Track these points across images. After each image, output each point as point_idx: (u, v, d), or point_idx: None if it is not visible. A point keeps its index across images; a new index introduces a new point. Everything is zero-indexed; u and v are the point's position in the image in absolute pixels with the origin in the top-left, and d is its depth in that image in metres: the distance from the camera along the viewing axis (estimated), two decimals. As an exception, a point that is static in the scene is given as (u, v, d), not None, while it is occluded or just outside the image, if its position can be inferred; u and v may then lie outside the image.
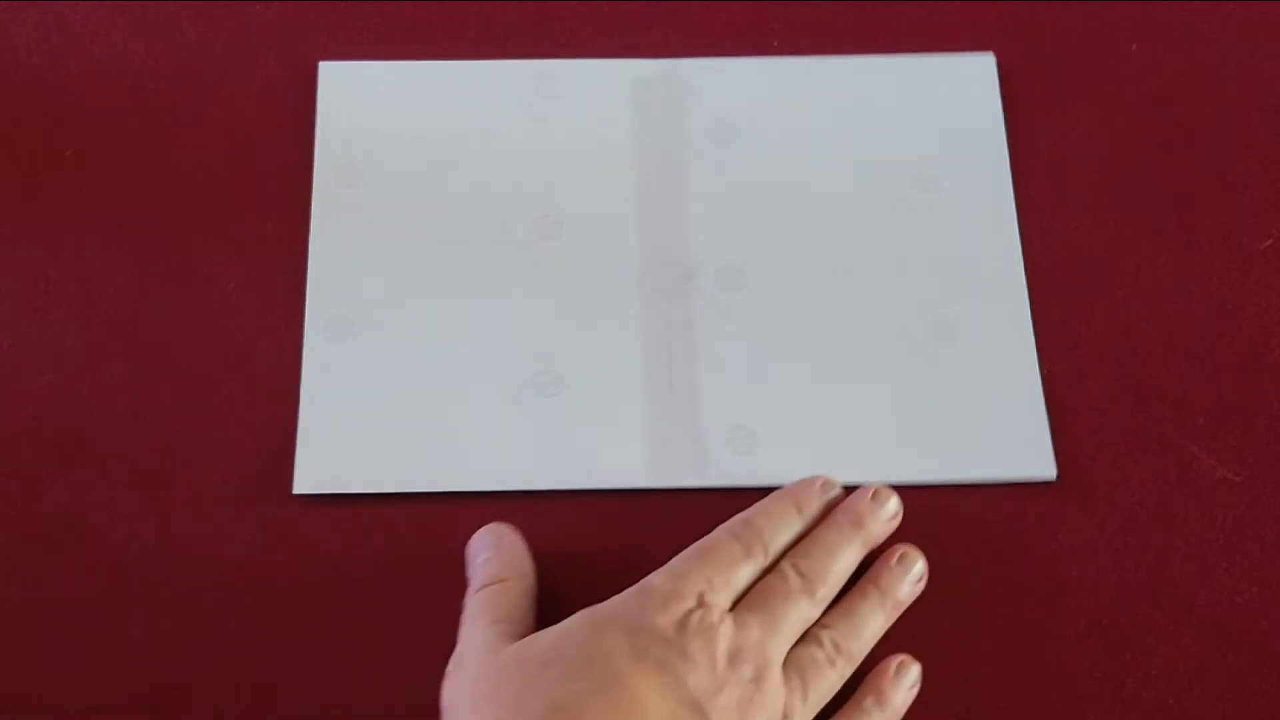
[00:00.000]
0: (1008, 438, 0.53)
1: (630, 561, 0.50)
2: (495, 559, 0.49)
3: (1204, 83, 0.60)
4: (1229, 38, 0.60)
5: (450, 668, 0.45)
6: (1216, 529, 0.51)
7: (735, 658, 0.44)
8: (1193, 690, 0.49)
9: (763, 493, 0.50)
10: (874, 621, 0.48)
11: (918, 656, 0.49)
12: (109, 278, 0.55)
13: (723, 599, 0.45)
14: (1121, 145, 0.58)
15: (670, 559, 0.47)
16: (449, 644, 0.47)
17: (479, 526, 0.50)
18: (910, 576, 0.49)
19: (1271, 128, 0.59)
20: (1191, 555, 0.51)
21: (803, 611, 0.47)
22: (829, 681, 0.46)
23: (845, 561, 0.48)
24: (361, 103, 0.58)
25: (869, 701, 0.47)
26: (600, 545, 0.51)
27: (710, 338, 0.54)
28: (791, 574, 0.47)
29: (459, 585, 0.49)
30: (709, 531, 0.49)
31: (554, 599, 0.49)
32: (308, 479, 0.51)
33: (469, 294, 0.55)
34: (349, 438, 0.52)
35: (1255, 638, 0.50)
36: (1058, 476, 0.52)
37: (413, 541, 0.51)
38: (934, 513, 0.51)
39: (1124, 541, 0.51)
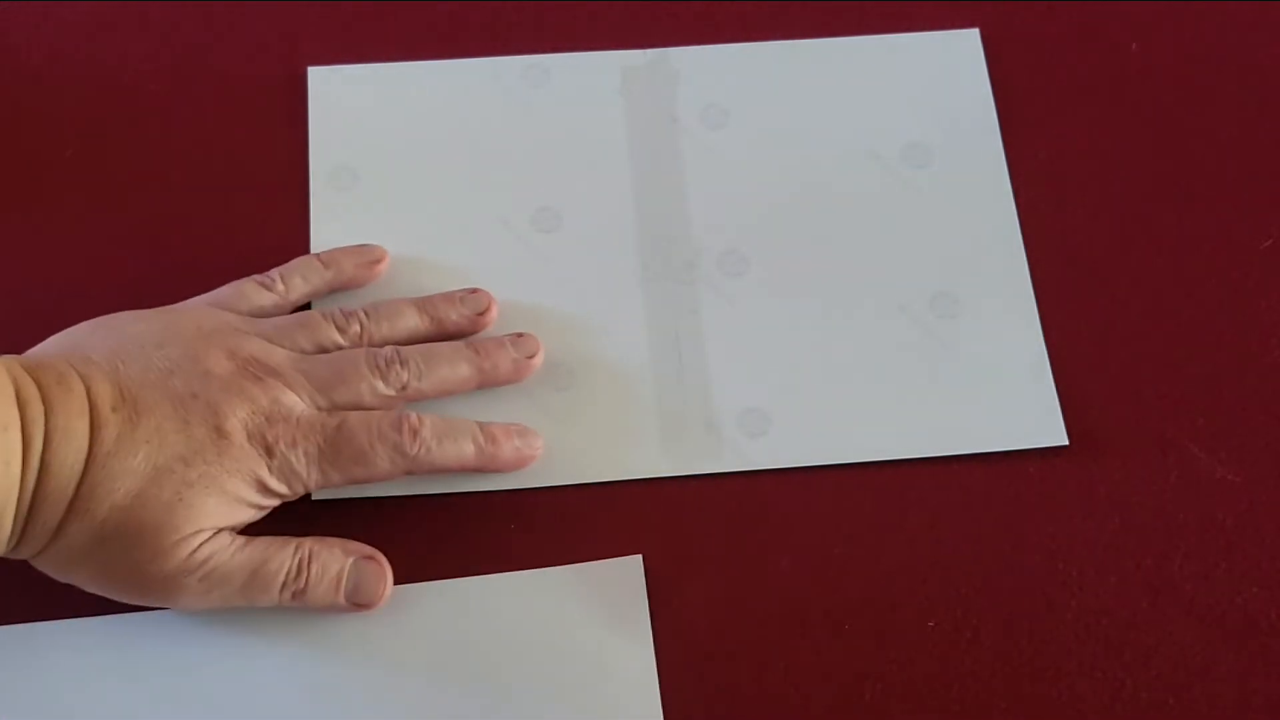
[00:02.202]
0: (1017, 407, 0.53)
1: (651, 552, 0.50)
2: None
3: (1204, 83, 0.60)
4: (1229, 38, 0.60)
5: None
6: (1216, 529, 0.51)
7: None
8: (1193, 690, 0.49)
9: (779, 475, 0.51)
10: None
11: (915, 656, 0.49)
12: (109, 278, 0.55)
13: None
14: (1121, 145, 0.58)
15: (692, 549, 0.49)
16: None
17: (496, 525, 0.50)
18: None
19: (1271, 127, 0.59)
20: (1191, 555, 0.51)
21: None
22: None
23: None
24: (352, 106, 0.58)
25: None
26: (619, 537, 0.51)
27: (717, 323, 0.54)
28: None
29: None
30: (725, 516, 0.50)
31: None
32: None
33: (472, 291, 0.55)
34: None
35: (1255, 638, 0.50)
36: (1061, 470, 0.52)
37: (431, 543, 0.51)
38: (943, 490, 0.52)
39: (1124, 541, 0.51)
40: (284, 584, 0.47)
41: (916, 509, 0.51)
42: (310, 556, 0.47)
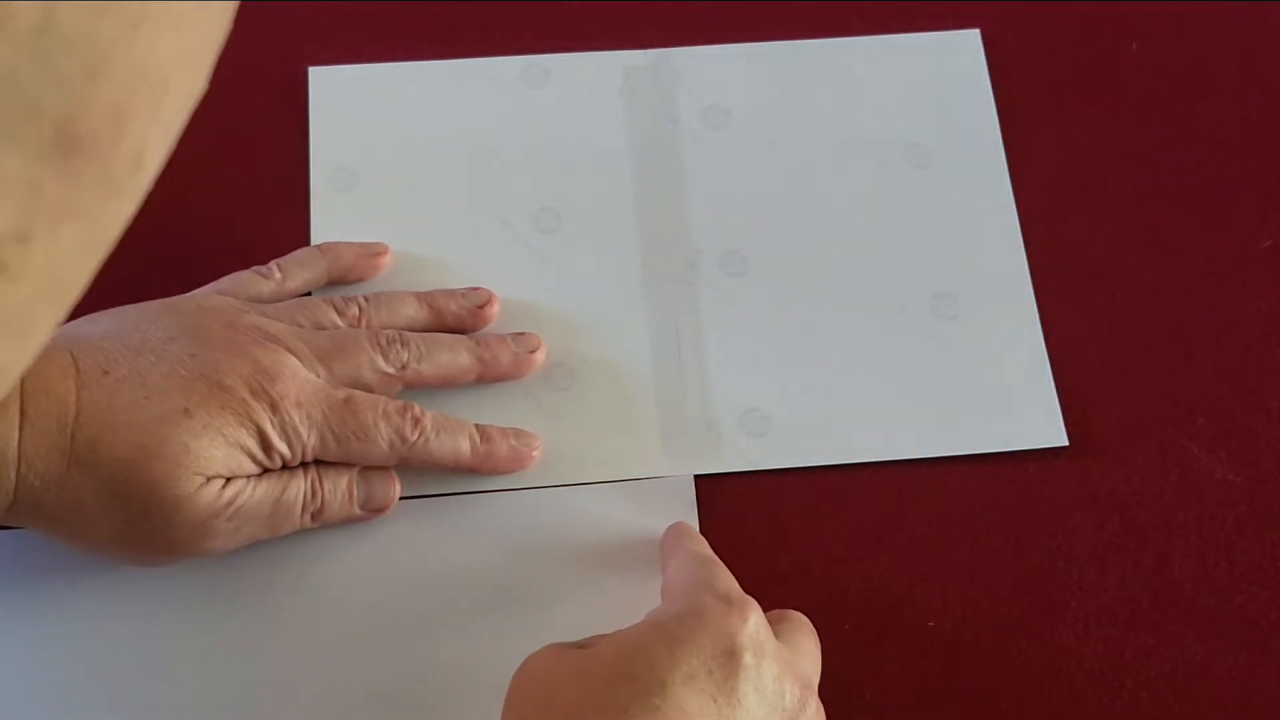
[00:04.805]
0: (1017, 407, 0.53)
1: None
2: None
3: (1204, 83, 0.60)
4: (1229, 38, 0.60)
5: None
6: (1216, 529, 0.51)
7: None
8: (1192, 690, 0.49)
9: (779, 475, 0.51)
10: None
11: (915, 655, 0.49)
12: (108, 277, 0.55)
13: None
14: (1121, 145, 0.58)
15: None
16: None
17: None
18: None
19: (1271, 127, 0.59)
20: (1191, 555, 0.51)
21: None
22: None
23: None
24: (352, 106, 0.58)
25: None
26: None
27: (717, 323, 0.54)
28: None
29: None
30: (725, 516, 0.51)
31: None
32: None
33: (473, 292, 0.55)
34: None
35: (1255, 638, 0.50)
36: (1061, 470, 0.52)
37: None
38: (943, 490, 0.52)
39: (1124, 541, 0.51)
40: (304, 507, 0.48)
41: (916, 509, 0.51)
42: (320, 476, 0.48)
